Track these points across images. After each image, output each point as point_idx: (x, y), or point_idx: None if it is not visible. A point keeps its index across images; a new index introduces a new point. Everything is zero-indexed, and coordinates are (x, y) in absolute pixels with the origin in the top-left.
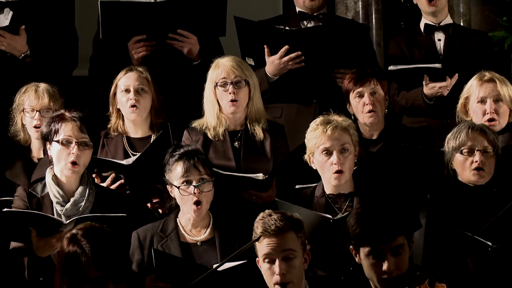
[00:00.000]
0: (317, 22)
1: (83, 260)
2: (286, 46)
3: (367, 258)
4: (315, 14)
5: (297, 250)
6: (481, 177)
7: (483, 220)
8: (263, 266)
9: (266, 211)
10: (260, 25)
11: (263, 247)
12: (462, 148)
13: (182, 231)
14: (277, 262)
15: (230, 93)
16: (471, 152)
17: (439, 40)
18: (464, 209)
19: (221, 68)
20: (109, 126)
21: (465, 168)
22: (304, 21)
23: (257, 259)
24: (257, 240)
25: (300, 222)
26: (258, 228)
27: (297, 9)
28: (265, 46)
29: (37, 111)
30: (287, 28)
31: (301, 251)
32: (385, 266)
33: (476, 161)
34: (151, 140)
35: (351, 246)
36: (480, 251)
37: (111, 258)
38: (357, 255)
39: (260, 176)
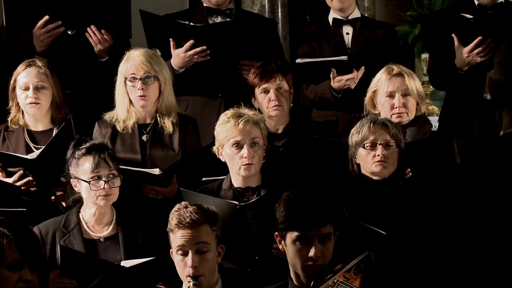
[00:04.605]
0: (224, 17)
1: (5, 242)
2: (192, 41)
3: (294, 244)
4: (222, 9)
5: (210, 243)
6: (384, 168)
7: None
8: (176, 258)
9: (183, 202)
10: (165, 19)
11: (177, 238)
12: (365, 142)
13: (85, 227)
14: (190, 254)
15: (138, 89)
16: (373, 146)
17: (347, 33)
18: (368, 203)
19: (130, 63)
20: (9, 119)
21: (368, 162)
22: (212, 16)
23: (170, 250)
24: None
25: (215, 215)
26: (173, 219)
27: (204, 4)
28: (170, 39)
29: None
30: (191, 24)
31: (215, 244)
32: (312, 252)
33: (378, 155)
34: (53, 133)
35: (276, 232)
36: (378, 241)
37: (30, 241)
38: (282, 241)
39: (156, 171)
